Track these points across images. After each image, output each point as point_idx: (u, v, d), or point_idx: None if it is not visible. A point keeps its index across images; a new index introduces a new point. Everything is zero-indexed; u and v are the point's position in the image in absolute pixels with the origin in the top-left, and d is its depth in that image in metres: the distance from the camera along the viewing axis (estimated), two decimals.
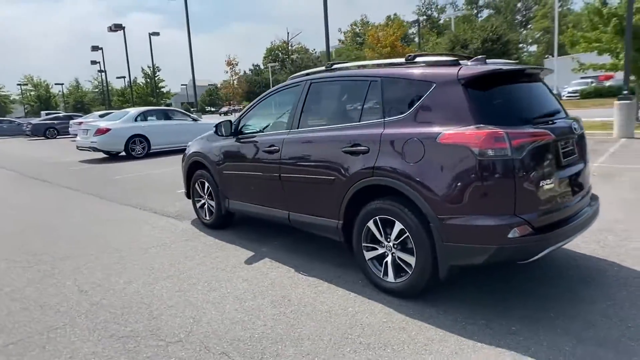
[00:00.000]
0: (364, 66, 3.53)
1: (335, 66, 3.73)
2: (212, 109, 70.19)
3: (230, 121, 4.34)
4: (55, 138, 25.57)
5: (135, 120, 12.58)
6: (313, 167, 3.43)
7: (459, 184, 2.55)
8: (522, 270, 3.28)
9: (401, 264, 2.90)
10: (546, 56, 53.94)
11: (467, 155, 2.51)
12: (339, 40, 72.19)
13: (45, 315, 3.00)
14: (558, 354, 2.24)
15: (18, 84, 63.21)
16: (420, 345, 2.40)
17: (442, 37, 44.34)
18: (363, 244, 3.12)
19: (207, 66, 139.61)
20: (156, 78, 42.75)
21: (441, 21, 69.35)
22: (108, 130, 11.93)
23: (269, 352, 2.41)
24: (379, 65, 3.39)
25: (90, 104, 66.61)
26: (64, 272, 3.80)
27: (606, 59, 14.06)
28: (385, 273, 3.00)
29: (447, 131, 2.60)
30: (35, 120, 28.41)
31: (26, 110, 61.95)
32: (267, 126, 4.28)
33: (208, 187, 4.75)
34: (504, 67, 2.83)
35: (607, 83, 30.15)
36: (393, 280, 2.95)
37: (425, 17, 68.48)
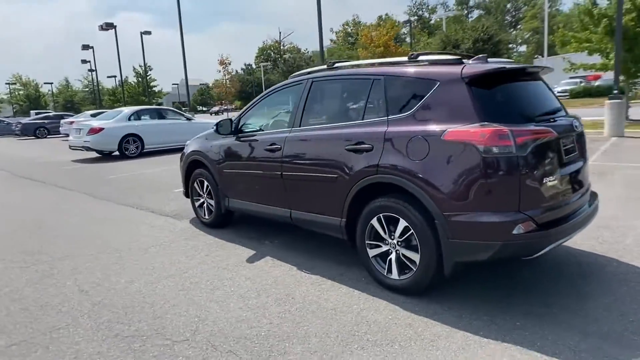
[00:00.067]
0: (366, 65, 3.54)
1: (336, 65, 3.73)
2: (204, 109, 69.78)
3: (230, 120, 4.33)
4: (45, 138, 25.25)
5: (129, 119, 12.47)
6: (315, 165, 3.43)
7: (464, 181, 2.57)
8: (524, 267, 3.32)
9: (405, 261, 2.92)
10: (536, 56, 54.54)
11: (472, 152, 2.53)
12: (331, 40, 72.29)
13: (47, 316, 2.97)
14: (564, 349, 2.28)
15: (6, 83, 62.37)
16: (427, 342, 2.42)
17: (434, 37, 44.65)
18: (366, 242, 3.13)
19: (198, 65, 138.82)
20: (148, 77, 42.37)
21: (432, 21, 69.76)
22: (101, 129, 11.80)
23: (277, 350, 2.41)
24: (381, 64, 3.40)
25: (80, 103, 65.93)
26: (63, 272, 3.76)
27: (596, 59, 14.25)
28: (389, 270, 3.01)
29: (451, 129, 2.62)
30: (25, 120, 28.02)
31: (15, 110, 61.10)
32: (267, 125, 4.28)
33: (207, 186, 4.73)
34: (507, 66, 2.86)
35: (596, 83, 30.56)
36: (397, 277, 2.96)
37: (416, 17, 68.82)
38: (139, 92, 43.87)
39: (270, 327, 2.66)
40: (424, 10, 71.62)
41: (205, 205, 4.86)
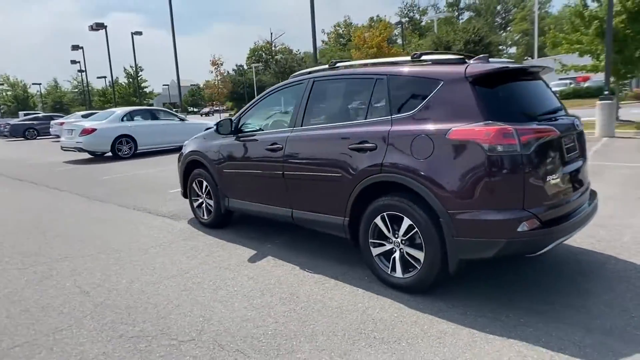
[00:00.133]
0: (368, 64, 3.55)
1: (338, 64, 3.75)
2: (195, 109, 69.38)
3: (230, 119, 4.31)
4: (35, 139, 24.91)
5: (122, 120, 12.35)
6: (318, 165, 3.44)
7: (469, 179, 2.59)
8: (525, 264, 3.36)
9: (409, 259, 2.94)
10: (525, 58, 55.19)
11: (477, 151, 2.56)
12: (323, 41, 72.32)
13: (49, 317, 2.93)
14: (569, 344, 2.31)
15: None
16: (434, 338, 2.44)
17: (425, 39, 44.92)
18: (370, 241, 3.14)
19: (188, 66, 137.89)
20: (139, 78, 42.03)
21: (423, 23, 70.15)
22: (94, 130, 11.68)
23: (285, 348, 2.41)
24: (384, 64, 3.42)
25: (69, 104, 65.17)
26: (62, 273, 3.71)
27: (587, 60, 14.47)
28: (393, 269, 3.03)
29: (456, 127, 2.65)
30: (13, 121, 27.61)
31: (2, 111, 60.16)
32: (268, 124, 4.27)
33: (206, 186, 4.71)
34: (511, 65, 2.90)
35: (585, 84, 31.01)
36: (401, 276, 2.98)
37: (407, 18, 69.19)
38: (130, 93, 43.52)
39: (277, 326, 2.66)
40: (414, 11, 72.05)
41: (204, 205, 4.83)
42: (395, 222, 2.97)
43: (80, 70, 46.20)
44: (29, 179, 9.25)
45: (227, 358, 2.35)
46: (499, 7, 69.18)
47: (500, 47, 56.57)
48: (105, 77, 48.41)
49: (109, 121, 12.18)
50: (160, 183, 7.87)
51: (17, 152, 17.36)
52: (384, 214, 3.01)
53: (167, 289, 3.28)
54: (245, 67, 66.18)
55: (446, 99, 2.80)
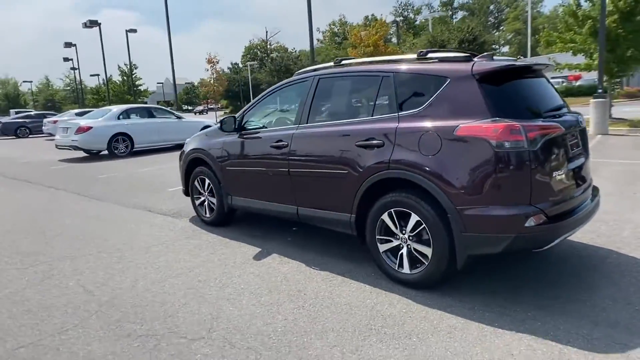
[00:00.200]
0: (373, 62, 3.56)
1: (343, 62, 3.75)
2: (190, 107, 68.97)
3: (234, 117, 4.30)
4: (27, 137, 24.63)
5: (118, 118, 12.26)
6: (324, 162, 3.44)
7: (477, 175, 2.61)
8: (527, 260, 3.39)
9: (417, 255, 2.95)
10: (518, 57, 55.49)
11: (485, 147, 2.58)
12: (318, 40, 72.21)
13: (53, 317, 2.90)
14: (577, 337, 2.34)
15: None
16: (444, 333, 2.46)
17: (419, 38, 45.02)
18: (377, 237, 3.15)
19: (183, 64, 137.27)
20: (134, 76, 41.70)
21: (417, 22, 70.35)
22: (90, 128, 11.58)
23: (296, 345, 2.41)
24: (389, 61, 3.43)
25: (61, 102, 64.48)
26: (64, 272, 3.68)
27: (580, 59, 14.61)
28: (401, 265, 3.04)
29: (464, 124, 2.67)
30: (5, 119, 27.30)
31: None
32: (272, 122, 4.26)
33: (209, 184, 4.69)
34: (516, 63, 2.92)
35: (577, 83, 31.33)
36: (409, 272, 2.99)
37: (401, 18, 69.32)
38: (124, 91, 43.15)
39: (286, 323, 2.66)
40: (409, 11, 72.22)
41: (206, 203, 4.81)
42: (403, 218, 2.98)
43: (73, 68, 45.81)
44: (25, 178, 9.15)
45: (238, 355, 2.34)
46: (492, 7, 69.59)
47: (494, 46, 56.95)
48: (98, 74, 48.03)
49: (105, 119, 12.08)
50: (159, 181, 7.82)
51: (10, 150, 17.14)
52: (392, 210, 3.02)
53: (173, 287, 3.26)
54: (241, 65, 65.89)
55: (453, 96, 2.82)
